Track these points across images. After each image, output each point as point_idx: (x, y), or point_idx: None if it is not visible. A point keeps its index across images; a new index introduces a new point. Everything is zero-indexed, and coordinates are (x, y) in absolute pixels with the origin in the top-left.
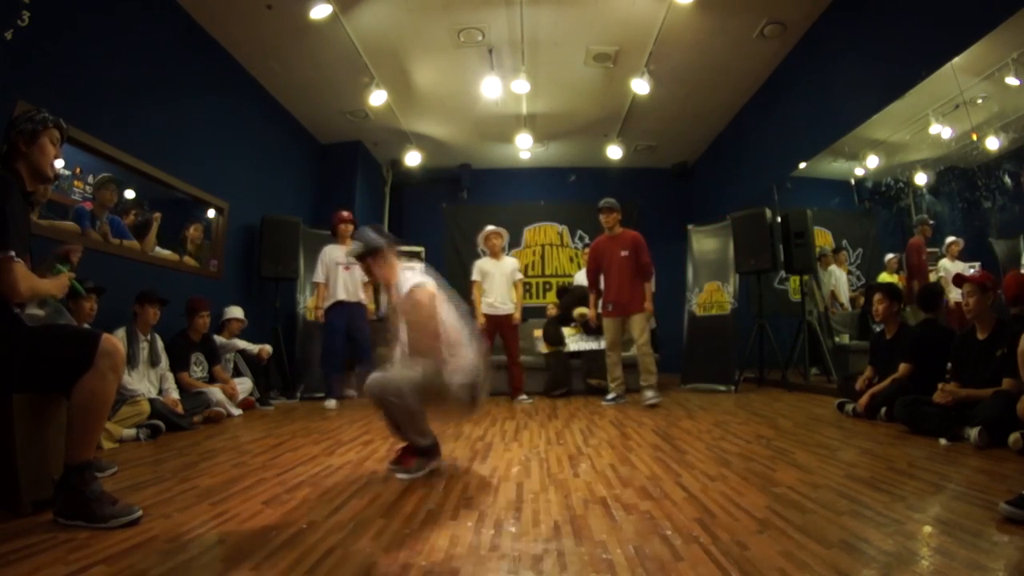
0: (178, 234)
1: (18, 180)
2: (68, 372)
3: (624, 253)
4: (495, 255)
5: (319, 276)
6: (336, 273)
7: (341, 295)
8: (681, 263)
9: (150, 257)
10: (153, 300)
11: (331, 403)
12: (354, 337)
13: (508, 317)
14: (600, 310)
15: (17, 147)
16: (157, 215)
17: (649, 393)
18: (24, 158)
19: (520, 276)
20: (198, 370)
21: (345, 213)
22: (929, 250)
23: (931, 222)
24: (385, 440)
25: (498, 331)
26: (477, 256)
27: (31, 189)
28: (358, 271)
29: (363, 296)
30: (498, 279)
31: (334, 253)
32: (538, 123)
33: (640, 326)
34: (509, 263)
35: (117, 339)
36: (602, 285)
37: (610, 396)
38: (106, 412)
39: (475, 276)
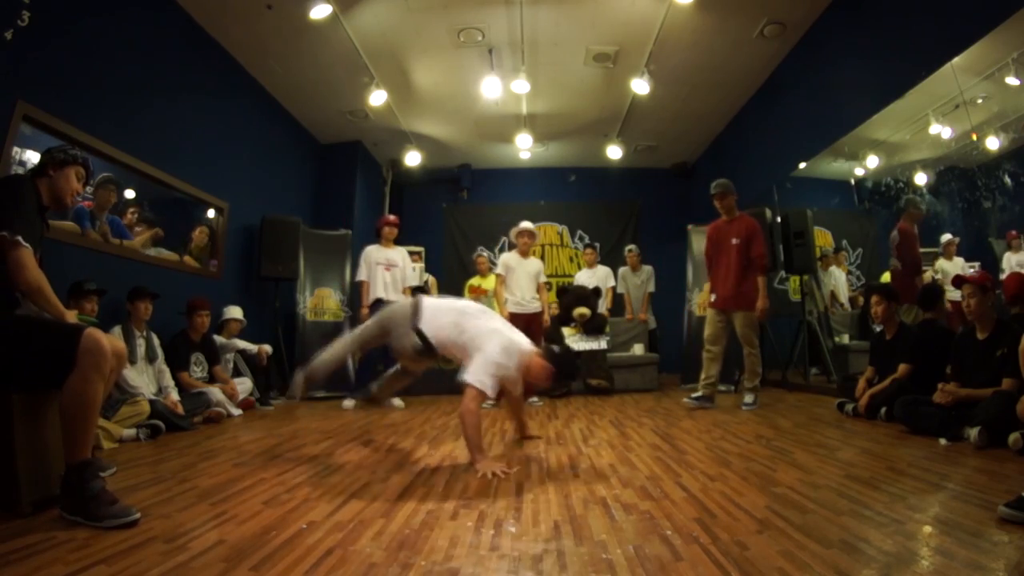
0: (184, 237)
1: (37, 192)
2: (53, 369)
3: (735, 241)
4: (523, 253)
5: (362, 275)
6: (377, 273)
7: (380, 293)
8: (681, 263)
9: (150, 257)
10: (144, 295)
11: (349, 403)
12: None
13: (537, 316)
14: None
15: (46, 169)
16: (159, 231)
17: (748, 397)
18: (49, 180)
19: (545, 279)
20: (198, 370)
21: (391, 217)
22: (928, 250)
23: (923, 205)
24: (385, 440)
25: (526, 330)
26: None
27: (47, 204)
28: (399, 272)
29: (403, 297)
30: (522, 277)
31: (376, 254)
32: (538, 123)
33: (742, 323)
34: (535, 263)
35: (101, 334)
36: None
37: (694, 395)
38: (94, 412)
39: (499, 270)
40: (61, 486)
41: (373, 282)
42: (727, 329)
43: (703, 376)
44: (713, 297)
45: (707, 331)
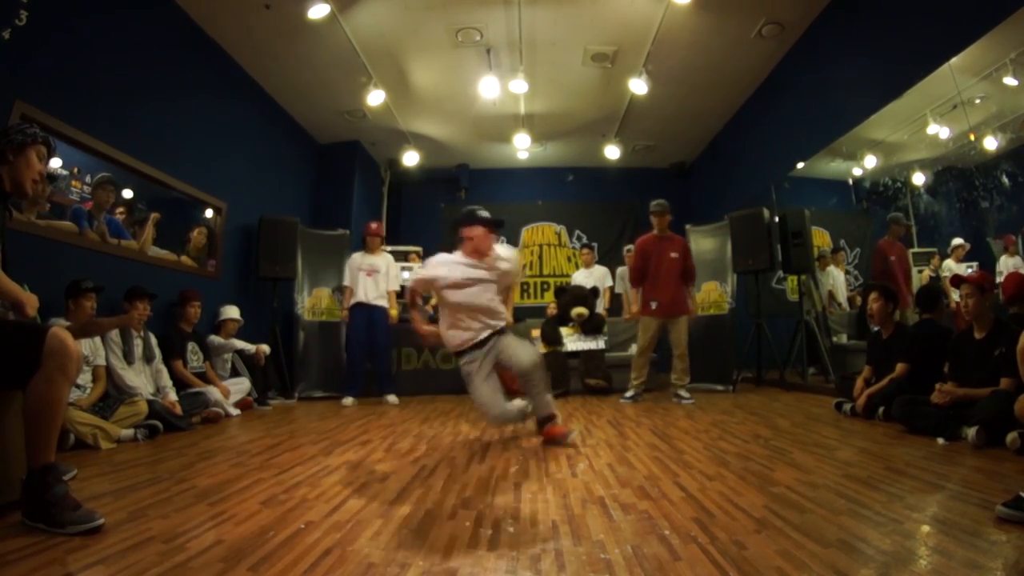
0: (181, 237)
1: None
2: (17, 369)
3: (674, 255)
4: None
5: (346, 280)
6: (359, 278)
7: (361, 298)
8: None
9: (148, 257)
10: (142, 296)
11: (347, 400)
12: (374, 338)
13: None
14: (639, 306)
15: (4, 155)
16: (155, 215)
17: (686, 393)
18: (8, 166)
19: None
20: (194, 359)
21: (373, 226)
22: (926, 250)
23: (906, 221)
24: (383, 440)
25: None
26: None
27: (9, 191)
28: (381, 277)
29: (385, 302)
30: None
31: (360, 260)
32: (536, 123)
33: (685, 328)
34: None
35: (66, 334)
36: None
37: (628, 394)
38: (59, 414)
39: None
40: (22, 491)
41: (355, 287)
42: (659, 335)
43: (634, 377)
44: (654, 305)
45: (647, 337)
